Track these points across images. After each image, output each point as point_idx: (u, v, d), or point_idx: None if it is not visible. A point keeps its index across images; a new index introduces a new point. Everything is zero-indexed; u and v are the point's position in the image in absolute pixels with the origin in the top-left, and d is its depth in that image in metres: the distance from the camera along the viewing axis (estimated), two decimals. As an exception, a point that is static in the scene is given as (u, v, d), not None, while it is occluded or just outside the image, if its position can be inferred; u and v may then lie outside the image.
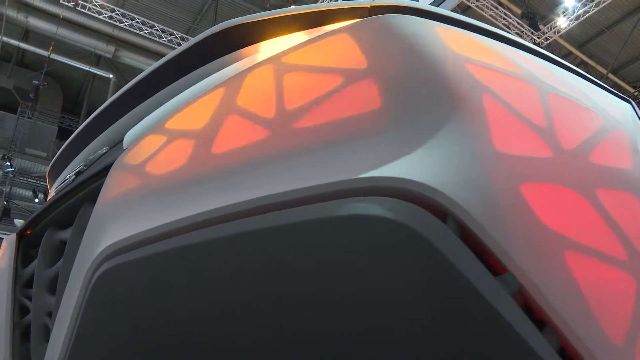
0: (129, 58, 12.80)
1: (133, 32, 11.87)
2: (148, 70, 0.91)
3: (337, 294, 0.44)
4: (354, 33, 0.57)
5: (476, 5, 10.47)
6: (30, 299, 1.01)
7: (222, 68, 0.78)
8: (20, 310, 1.01)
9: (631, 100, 0.81)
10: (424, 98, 0.48)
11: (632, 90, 12.40)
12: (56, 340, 0.71)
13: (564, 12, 11.17)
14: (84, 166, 0.97)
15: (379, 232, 0.41)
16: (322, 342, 0.47)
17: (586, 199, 0.48)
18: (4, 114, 13.23)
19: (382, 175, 0.43)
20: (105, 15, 11.42)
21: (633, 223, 0.51)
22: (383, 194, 0.43)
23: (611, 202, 0.50)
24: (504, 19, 10.85)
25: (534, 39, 11.17)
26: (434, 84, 0.49)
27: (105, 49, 12.46)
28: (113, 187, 0.71)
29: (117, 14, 11.52)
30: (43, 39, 12.16)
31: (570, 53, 12.23)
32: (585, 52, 12.43)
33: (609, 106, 0.67)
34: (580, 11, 10.75)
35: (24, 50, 13.15)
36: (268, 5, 11.42)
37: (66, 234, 0.94)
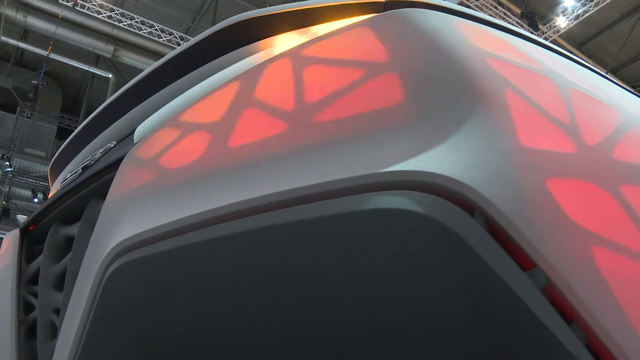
0: (128, 58, 12.79)
1: (132, 31, 11.86)
2: (160, 62, 0.89)
3: (361, 290, 0.44)
4: (375, 26, 0.57)
5: (475, 5, 10.47)
6: (35, 295, 1.00)
7: (237, 61, 0.77)
8: (24, 307, 1.00)
9: None
10: (447, 92, 0.48)
11: (631, 90, 12.40)
12: (65, 338, 0.70)
13: (563, 12, 11.18)
14: (92, 160, 0.96)
15: (407, 226, 0.41)
16: (345, 340, 0.46)
17: (611, 195, 0.47)
18: (3, 114, 13.21)
19: (408, 169, 0.43)
20: (105, 15, 11.40)
21: None
22: (407, 188, 0.43)
23: (635, 198, 0.49)
24: (504, 18, 10.86)
25: (534, 39, 11.16)
26: (457, 79, 0.49)
27: (104, 48, 12.44)
28: (125, 181, 0.70)
29: (116, 14, 11.51)
30: (42, 39, 12.15)
31: (570, 53, 12.24)
32: (585, 51, 12.45)
33: (625, 102, 0.67)
34: (580, 11, 10.76)
35: (23, 50, 13.13)
36: (267, 5, 11.42)
37: (73, 230, 0.93)
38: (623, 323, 0.41)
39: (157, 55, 12.26)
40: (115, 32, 12.05)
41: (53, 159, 1.30)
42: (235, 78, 0.67)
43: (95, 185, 0.86)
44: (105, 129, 1.03)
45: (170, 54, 0.87)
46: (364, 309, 0.44)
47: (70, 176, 1.00)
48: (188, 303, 0.55)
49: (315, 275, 0.46)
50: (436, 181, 0.42)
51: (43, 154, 13.35)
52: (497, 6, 10.83)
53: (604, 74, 0.78)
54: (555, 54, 0.68)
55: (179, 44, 11.82)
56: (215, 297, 0.53)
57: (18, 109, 12.88)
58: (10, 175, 12.91)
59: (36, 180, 13.74)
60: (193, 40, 0.83)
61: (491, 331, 0.41)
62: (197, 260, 0.53)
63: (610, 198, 0.47)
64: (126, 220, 0.63)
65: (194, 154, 0.61)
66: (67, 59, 12.78)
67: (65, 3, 10.92)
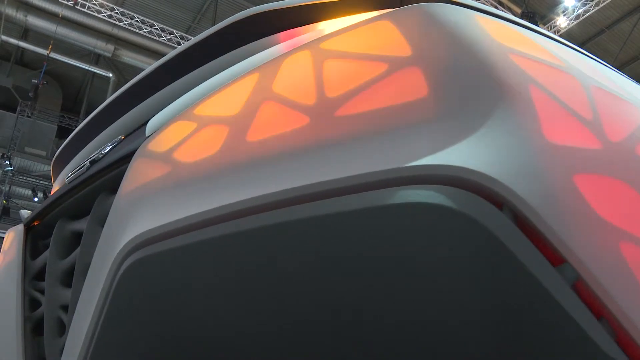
0: (128, 57, 12.77)
1: (132, 30, 11.86)
2: (172, 54, 0.88)
3: (387, 285, 0.44)
4: (396, 20, 0.57)
5: (476, 5, 10.45)
6: (40, 291, 0.99)
7: (252, 54, 0.77)
8: (30, 303, 0.99)
9: None
10: (471, 87, 0.48)
11: None
12: (76, 335, 0.69)
13: (563, 12, 11.19)
14: (101, 154, 0.94)
15: (436, 221, 0.41)
16: (372, 336, 0.46)
17: (637, 192, 0.47)
18: (4, 113, 13.19)
19: (436, 163, 0.43)
20: (105, 14, 11.41)
21: None
22: (434, 182, 0.43)
23: None
24: (504, 18, 10.83)
25: (534, 39, 11.16)
26: (481, 74, 0.49)
27: (104, 47, 12.42)
28: (137, 175, 0.69)
29: (117, 13, 11.51)
30: (42, 38, 12.13)
31: (570, 52, 12.23)
32: (585, 51, 12.44)
33: None
34: (580, 10, 10.77)
35: (23, 49, 13.12)
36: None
37: (80, 225, 0.92)
38: None
39: (157, 54, 12.24)
40: (115, 31, 12.03)
41: (57, 153, 1.28)
42: (253, 71, 0.66)
43: (104, 180, 0.85)
44: (113, 122, 1.01)
45: (184, 46, 0.86)
46: (388, 305, 0.44)
47: (77, 170, 0.98)
48: (205, 300, 0.54)
49: (339, 271, 0.46)
50: (465, 176, 0.42)
51: (43, 153, 13.32)
52: (498, 5, 10.82)
53: (619, 71, 0.78)
54: (573, 51, 0.68)
55: (179, 44, 11.81)
56: (234, 294, 0.52)
57: (18, 108, 12.85)
58: (11, 175, 12.89)
59: (36, 179, 13.72)
60: (208, 32, 0.82)
61: (521, 327, 0.41)
62: (215, 256, 0.52)
63: (636, 194, 0.47)
64: (140, 214, 0.62)
65: (211, 148, 0.60)
66: (68, 58, 12.76)
67: (66, 2, 10.91)
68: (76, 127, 1.25)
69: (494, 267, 0.40)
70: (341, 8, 0.72)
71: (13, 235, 1.13)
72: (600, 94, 0.56)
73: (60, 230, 0.95)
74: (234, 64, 0.79)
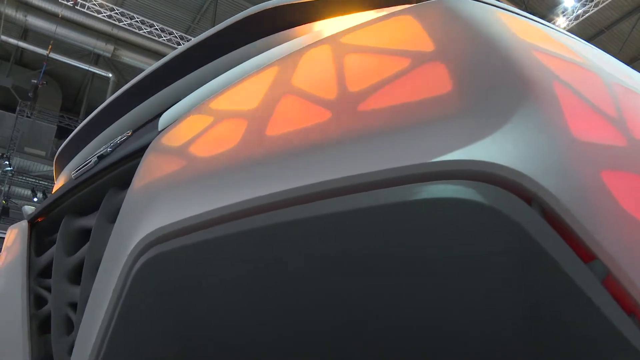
0: (128, 57, 12.75)
1: (132, 31, 11.84)
2: (186, 46, 0.86)
3: (412, 283, 0.43)
4: (418, 15, 0.56)
5: (476, 5, 10.46)
6: (46, 289, 0.97)
7: (268, 48, 0.76)
8: (36, 300, 0.98)
9: None
10: (496, 83, 0.48)
11: None
12: (87, 334, 0.68)
13: (563, 12, 11.19)
14: (109, 148, 0.93)
15: (466, 216, 0.41)
16: (401, 334, 0.46)
17: None
18: (3, 113, 13.17)
19: (464, 159, 0.42)
20: (105, 14, 11.39)
21: None
22: (462, 178, 0.42)
23: None
24: (504, 18, 10.84)
25: (534, 39, 11.17)
26: (505, 70, 0.48)
27: (104, 48, 12.41)
28: (151, 169, 0.68)
29: (116, 13, 11.50)
30: (42, 38, 12.11)
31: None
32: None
33: None
34: (580, 11, 10.77)
35: (23, 49, 13.09)
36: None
37: (87, 221, 0.90)
38: None
39: (157, 54, 12.23)
40: (115, 31, 12.02)
41: (61, 148, 1.25)
42: (271, 65, 0.65)
43: (113, 175, 0.84)
44: (122, 116, 0.99)
45: (197, 39, 0.85)
46: (414, 303, 0.43)
47: (84, 166, 0.97)
48: (223, 298, 0.54)
49: (363, 268, 0.45)
50: (495, 171, 0.42)
51: (43, 153, 13.30)
52: (498, 6, 10.82)
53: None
54: (592, 48, 0.68)
55: (179, 44, 11.80)
56: (255, 292, 0.52)
57: (18, 108, 12.83)
58: (10, 175, 12.87)
59: (36, 179, 13.69)
60: (224, 24, 0.81)
61: (551, 323, 0.40)
62: (235, 253, 0.52)
63: None
64: (154, 210, 0.61)
65: (229, 142, 0.59)
66: (67, 59, 12.74)
67: (65, 2, 10.90)
68: (76, 127, 1.22)
69: (524, 263, 0.40)
70: (364, 2, 0.72)
71: (16, 232, 1.11)
72: (622, 91, 0.56)
73: (67, 226, 0.93)
74: (251, 57, 0.78)
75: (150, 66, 0.94)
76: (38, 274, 1.01)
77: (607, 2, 10.36)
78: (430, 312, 0.44)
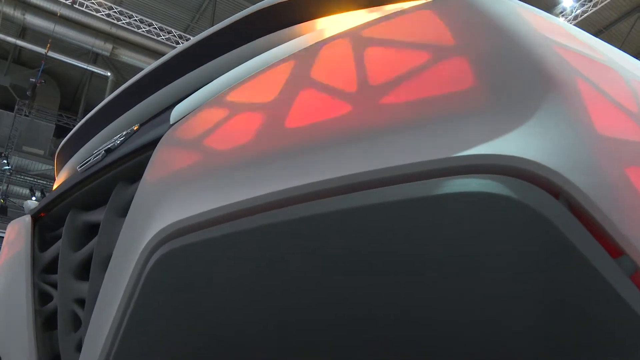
0: (126, 56, 12.73)
1: (131, 30, 11.82)
2: (196, 38, 0.85)
3: (439, 277, 0.43)
4: (438, 10, 0.56)
5: (475, 5, 10.47)
6: (51, 284, 0.96)
7: (283, 42, 0.76)
8: (40, 296, 0.96)
9: None
10: (519, 78, 0.47)
11: None
12: (97, 331, 0.67)
13: (562, 13, 11.22)
14: (118, 140, 0.91)
15: (494, 210, 0.40)
16: (415, 332, 0.45)
17: None
18: (1, 112, 13.14)
19: (492, 153, 0.42)
20: (103, 13, 11.37)
21: None
22: (488, 172, 0.42)
23: None
24: (503, 18, 10.86)
25: (533, 39, 11.21)
26: (528, 65, 0.48)
27: (102, 46, 12.38)
28: (164, 163, 0.66)
29: (115, 12, 11.48)
30: (40, 37, 12.08)
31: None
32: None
33: None
34: (578, 11, 10.79)
35: (21, 48, 13.06)
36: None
37: (94, 216, 0.89)
38: None
39: (156, 53, 12.20)
40: (113, 30, 11.99)
41: (64, 141, 1.22)
42: (288, 58, 0.65)
43: (123, 168, 0.82)
44: (128, 110, 0.98)
45: (211, 30, 0.83)
46: (441, 297, 0.43)
47: (90, 159, 0.95)
48: (245, 291, 0.53)
49: (385, 264, 0.45)
50: (522, 165, 0.41)
51: (41, 152, 13.26)
52: (497, 6, 10.84)
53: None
54: (608, 44, 0.67)
55: (177, 43, 11.79)
56: (275, 287, 0.51)
57: (16, 106, 12.80)
58: (8, 174, 12.83)
59: (34, 178, 13.66)
60: (240, 15, 0.80)
61: (579, 319, 0.40)
62: (254, 247, 0.51)
63: None
64: (168, 204, 0.60)
65: (246, 135, 0.58)
66: (66, 57, 12.71)
67: (64, 1, 10.87)
68: (74, 126, 1.20)
69: (552, 258, 0.40)
70: None
71: (19, 227, 1.09)
72: None
73: (72, 221, 0.92)
74: (269, 49, 0.77)
75: (155, 62, 0.92)
76: (42, 270, 0.99)
77: (605, 2, 10.38)
78: (448, 308, 0.44)
